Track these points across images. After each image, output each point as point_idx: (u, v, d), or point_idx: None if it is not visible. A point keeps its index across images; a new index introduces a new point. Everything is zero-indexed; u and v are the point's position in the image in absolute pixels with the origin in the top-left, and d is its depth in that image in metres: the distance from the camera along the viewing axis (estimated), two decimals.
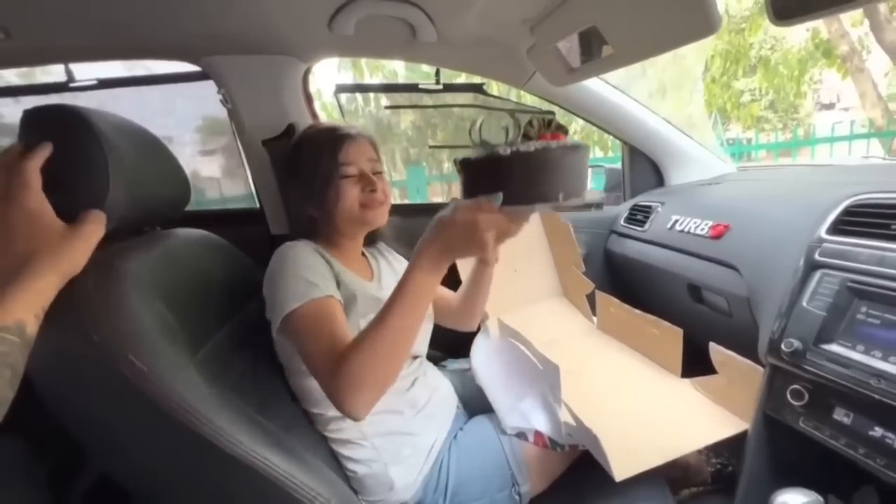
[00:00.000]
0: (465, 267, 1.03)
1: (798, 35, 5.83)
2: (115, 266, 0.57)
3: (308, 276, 0.68)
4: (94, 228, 0.50)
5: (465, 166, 0.57)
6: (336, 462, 0.75)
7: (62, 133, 0.57)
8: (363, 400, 0.58)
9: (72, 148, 0.56)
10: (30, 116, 0.57)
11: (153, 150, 0.71)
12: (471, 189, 0.57)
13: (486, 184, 0.54)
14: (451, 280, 0.92)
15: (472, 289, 0.90)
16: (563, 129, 0.59)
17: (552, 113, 0.60)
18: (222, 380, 0.60)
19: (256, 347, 0.75)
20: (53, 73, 1.10)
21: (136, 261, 0.60)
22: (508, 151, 0.53)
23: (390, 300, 0.59)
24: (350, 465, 0.74)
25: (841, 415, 0.59)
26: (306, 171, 0.80)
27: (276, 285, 0.69)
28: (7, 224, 0.42)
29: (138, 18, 0.83)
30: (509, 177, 0.53)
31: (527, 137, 0.58)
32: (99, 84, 1.08)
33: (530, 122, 0.59)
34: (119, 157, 0.58)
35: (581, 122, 1.37)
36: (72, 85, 1.05)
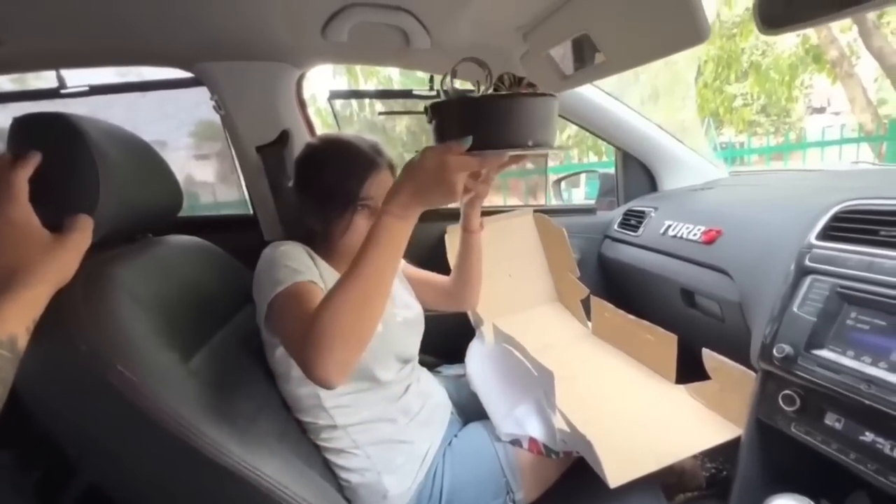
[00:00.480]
0: (452, 246, 1.01)
1: (788, 41, 5.90)
2: (105, 274, 0.56)
3: (291, 265, 0.68)
4: (82, 236, 0.49)
5: (435, 110, 0.56)
6: (330, 471, 0.74)
7: (52, 140, 0.56)
8: (334, 360, 0.53)
9: (62, 155, 0.56)
10: (19, 123, 0.56)
11: (145, 157, 0.70)
12: (441, 133, 0.56)
13: (457, 127, 0.53)
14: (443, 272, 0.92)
15: (463, 262, 0.91)
16: (532, 86, 0.60)
17: (524, 78, 0.61)
18: (214, 388, 0.59)
19: (249, 355, 0.74)
20: (45, 79, 1.09)
21: (127, 269, 0.60)
22: (480, 94, 0.53)
23: (361, 249, 0.56)
24: (343, 474, 0.74)
25: (832, 420, 0.59)
26: (323, 188, 0.76)
27: (261, 279, 0.69)
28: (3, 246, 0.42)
29: (131, 24, 0.83)
30: (479, 120, 0.52)
31: (497, 90, 0.59)
32: (91, 90, 1.08)
33: (501, 78, 0.60)
34: (110, 164, 0.58)
35: (574, 127, 1.37)
36: (63, 91, 1.05)
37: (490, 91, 0.57)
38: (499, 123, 0.52)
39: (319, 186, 0.77)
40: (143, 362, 0.52)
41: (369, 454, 0.74)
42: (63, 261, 0.45)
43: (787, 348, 0.62)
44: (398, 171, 0.79)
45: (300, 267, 0.68)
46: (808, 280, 0.66)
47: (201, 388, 0.57)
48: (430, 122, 0.57)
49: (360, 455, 0.74)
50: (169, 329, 0.60)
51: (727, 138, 7.55)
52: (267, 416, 0.69)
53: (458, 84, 0.60)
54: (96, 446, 0.54)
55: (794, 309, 0.65)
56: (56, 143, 0.56)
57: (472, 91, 0.59)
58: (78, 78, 1.07)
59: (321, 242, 0.80)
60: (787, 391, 0.63)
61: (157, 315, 0.59)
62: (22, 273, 0.41)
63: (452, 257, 1.05)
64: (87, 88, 1.07)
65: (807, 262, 0.68)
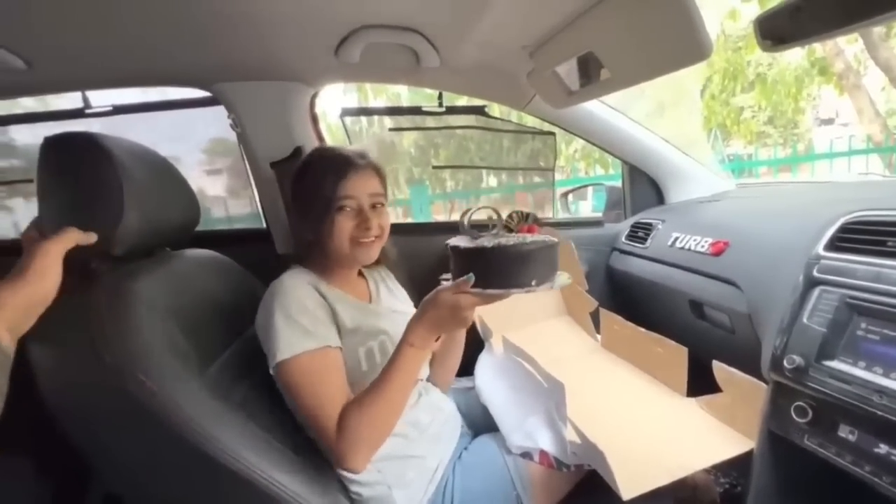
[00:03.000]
0: None
1: (794, 53, 5.92)
2: (126, 288, 0.58)
3: (303, 322, 0.69)
4: (53, 243, 0.50)
5: (454, 252, 0.66)
6: (341, 484, 0.75)
7: (80, 159, 0.59)
8: (363, 458, 0.66)
9: (89, 173, 0.59)
10: (50, 143, 0.59)
11: (165, 175, 0.73)
12: (459, 272, 0.65)
13: (471, 269, 0.62)
14: None
15: (445, 348, 0.92)
16: (538, 222, 0.72)
17: (529, 214, 0.75)
18: (230, 398, 0.61)
19: (263, 367, 0.75)
20: (67, 98, 1.14)
21: (147, 282, 0.62)
22: (491, 244, 0.62)
23: (385, 373, 0.67)
24: (354, 488, 0.74)
25: (846, 432, 0.58)
26: (307, 196, 0.80)
27: (269, 327, 0.69)
28: None
29: (154, 49, 0.87)
30: (490, 265, 0.61)
31: (507, 229, 0.72)
32: (114, 110, 1.12)
33: (510, 216, 0.75)
34: (133, 182, 0.61)
35: (581, 141, 1.39)
36: (88, 111, 1.09)
37: (500, 230, 0.69)
38: (507, 270, 0.61)
39: (302, 193, 0.81)
40: (161, 372, 0.54)
41: (380, 468, 0.74)
42: (36, 264, 0.47)
43: (798, 359, 0.62)
44: (385, 177, 0.85)
45: (312, 325, 0.70)
46: (816, 291, 0.66)
47: (217, 398, 0.58)
48: (450, 255, 0.68)
49: (371, 470, 0.74)
50: (186, 340, 0.62)
51: (735, 150, 7.54)
52: (281, 427, 0.70)
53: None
54: (115, 453, 0.55)
55: (804, 320, 0.65)
56: (84, 162, 0.59)
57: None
58: (102, 98, 1.11)
59: (318, 253, 0.82)
60: (799, 403, 0.63)
61: (175, 327, 0.61)
62: None
63: None
64: (110, 108, 1.11)
65: (815, 273, 0.68)
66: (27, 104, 1.30)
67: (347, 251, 0.79)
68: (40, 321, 0.49)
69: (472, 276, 0.62)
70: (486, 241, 0.64)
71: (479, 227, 0.69)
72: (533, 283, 0.61)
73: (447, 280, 0.68)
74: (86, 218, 0.58)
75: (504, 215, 0.74)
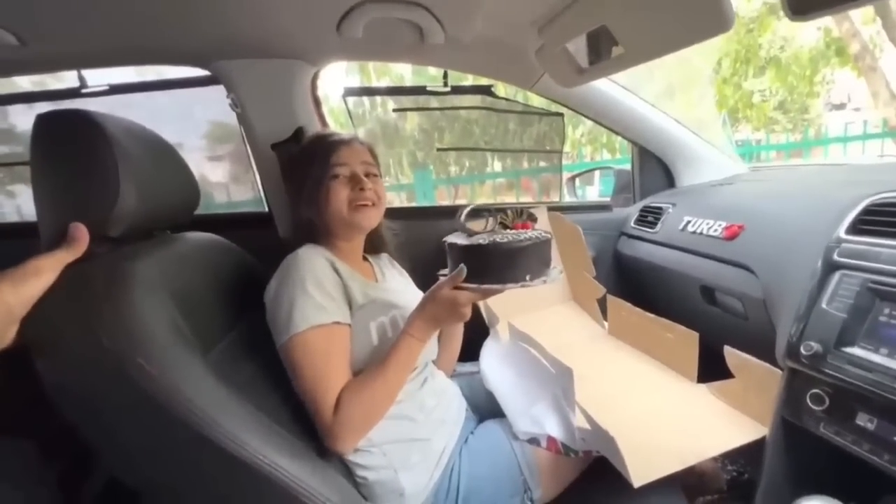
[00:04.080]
0: None
1: (808, 34, 5.76)
2: (125, 270, 0.57)
3: (317, 296, 0.70)
4: (46, 258, 0.51)
5: (451, 249, 0.69)
6: (346, 468, 0.74)
7: (74, 136, 0.57)
8: (353, 440, 0.69)
9: (83, 151, 0.57)
10: (42, 120, 0.57)
11: (164, 155, 0.71)
12: (455, 267, 0.68)
13: (468, 265, 0.66)
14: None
15: (444, 341, 0.95)
16: (532, 218, 0.75)
17: (524, 210, 0.75)
18: (232, 383, 0.59)
19: (266, 351, 0.74)
20: (66, 79, 1.12)
21: (146, 264, 0.61)
22: (486, 241, 0.65)
23: (385, 360, 0.70)
24: (359, 472, 0.74)
25: (864, 420, 0.57)
26: (300, 175, 0.82)
27: (282, 299, 0.70)
28: None
29: (150, 24, 0.84)
30: (485, 261, 0.65)
31: (503, 225, 0.74)
32: (111, 89, 1.10)
33: (506, 212, 0.76)
34: (130, 161, 0.59)
35: (588, 124, 1.36)
36: (84, 91, 1.07)
37: (496, 227, 0.73)
38: (502, 265, 0.64)
39: (298, 171, 0.83)
40: (161, 356, 0.53)
41: (385, 452, 0.74)
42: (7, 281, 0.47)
43: (816, 346, 0.60)
44: (376, 154, 0.87)
45: (324, 300, 0.70)
46: (836, 275, 0.64)
47: (219, 382, 0.57)
48: (447, 252, 0.71)
49: (375, 453, 0.74)
50: (187, 324, 0.61)
51: (743, 135, 7.40)
52: (285, 411, 0.69)
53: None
54: (117, 438, 0.55)
55: (823, 305, 0.63)
56: (78, 139, 0.57)
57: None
58: (98, 77, 1.09)
59: (321, 231, 0.83)
60: (815, 390, 0.61)
61: (176, 310, 0.60)
62: None
63: None
64: (107, 88, 1.08)
65: (835, 257, 0.65)
66: (23, 85, 1.27)
67: (346, 216, 0.80)
68: (37, 304, 0.48)
69: (463, 269, 0.65)
70: (482, 237, 0.68)
71: (476, 215, 0.73)
72: (527, 277, 0.64)
73: (444, 275, 0.70)
74: (81, 197, 0.57)
75: (500, 213, 0.77)
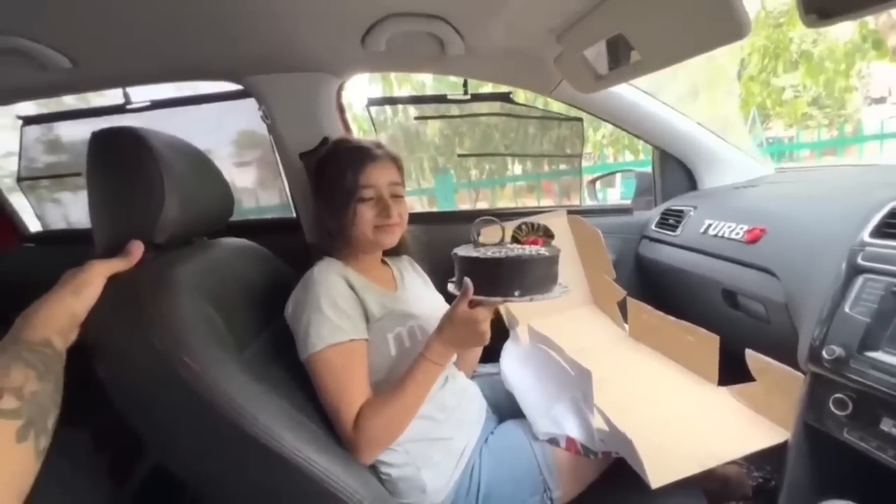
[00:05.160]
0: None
1: (843, 28, 5.53)
2: (169, 275, 0.62)
3: (333, 316, 0.72)
4: (99, 264, 0.56)
5: (456, 261, 0.71)
6: (372, 465, 0.77)
7: (124, 152, 0.63)
8: (373, 453, 0.72)
9: (132, 166, 0.62)
10: (97, 137, 0.63)
11: (202, 167, 0.76)
12: (461, 279, 0.70)
13: (477, 277, 0.67)
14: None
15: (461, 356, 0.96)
16: (548, 234, 0.77)
17: (539, 225, 0.78)
18: (265, 380, 0.63)
19: (294, 354, 0.78)
20: (105, 96, 1.20)
21: (187, 269, 0.65)
22: (489, 255, 0.67)
23: (403, 383, 0.71)
24: (383, 469, 0.76)
25: (889, 425, 0.56)
26: (329, 188, 0.83)
27: (300, 319, 0.73)
28: None
29: (189, 45, 0.90)
30: (488, 274, 0.67)
31: (515, 240, 0.78)
32: (152, 105, 1.17)
33: (519, 227, 0.79)
34: (173, 174, 0.64)
35: (609, 126, 1.36)
36: (128, 107, 1.14)
37: (507, 241, 0.76)
38: (499, 280, 0.66)
39: (324, 185, 0.84)
40: (203, 354, 0.57)
41: (408, 450, 0.77)
42: (77, 279, 0.53)
43: (838, 350, 0.60)
44: (402, 166, 0.88)
45: (341, 320, 0.73)
46: (860, 279, 0.64)
47: (254, 380, 0.61)
48: (455, 264, 0.73)
49: (399, 451, 0.76)
50: (225, 324, 0.65)
51: (774, 133, 7.15)
52: (315, 408, 0.72)
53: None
54: (162, 428, 0.59)
55: (846, 309, 0.63)
56: (128, 155, 0.62)
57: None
58: (140, 94, 1.17)
59: (342, 243, 0.84)
60: (838, 395, 0.61)
61: (214, 311, 0.64)
62: (49, 294, 0.50)
63: None
64: (149, 104, 1.16)
65: (859, 261, 0.65)
66: (67, 101, 1.37)
67: (371, 237, 0.82)
68: (93, 308, 0.53)
69: (468, 282, 0.67)
70: (490, 250, 0.70)
71: (490, 225, 0.76)
72: (517, 293, 0.66)
73: (452, 282, 0.74)
74: (130, 207, 0.62)
75: (512, 226, 0.80)
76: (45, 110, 1.42)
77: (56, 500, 0.65)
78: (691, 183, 1.41)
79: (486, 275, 0.67)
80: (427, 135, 4.64)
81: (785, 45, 5.58)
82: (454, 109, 1.39)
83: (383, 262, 0.95)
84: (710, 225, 1.09)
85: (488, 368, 1.07)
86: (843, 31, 5.45)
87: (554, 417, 0.81)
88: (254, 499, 0.61)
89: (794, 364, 0.70)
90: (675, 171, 1.41)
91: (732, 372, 0.84)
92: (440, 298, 0.97)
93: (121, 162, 0.62)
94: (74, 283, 0.52)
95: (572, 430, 0.78)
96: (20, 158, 1.42)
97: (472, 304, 0.69)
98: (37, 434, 0.37)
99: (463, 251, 0.72)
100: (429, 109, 1.64)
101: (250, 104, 1.16)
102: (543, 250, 0.71)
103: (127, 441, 0.69)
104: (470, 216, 1.44)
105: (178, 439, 0.59)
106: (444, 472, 0.77)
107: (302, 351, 0.72)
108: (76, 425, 0.41)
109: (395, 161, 0.86)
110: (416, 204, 4.47)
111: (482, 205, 4.75)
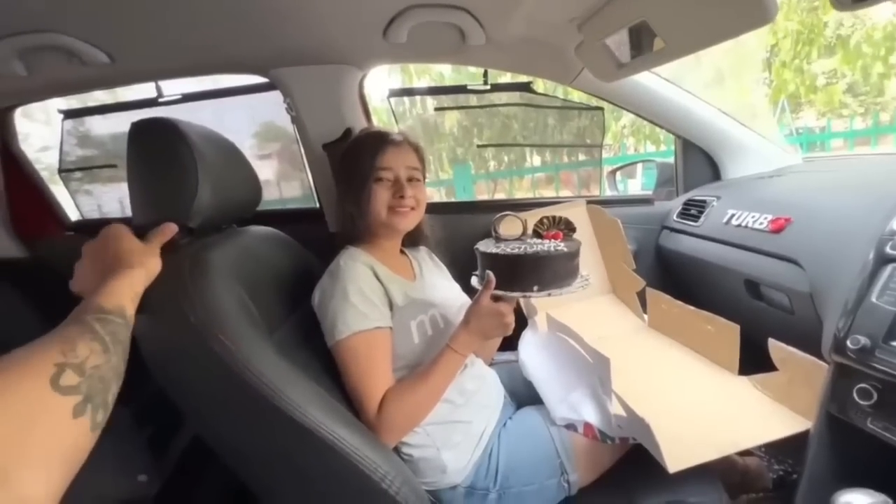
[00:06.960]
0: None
1: (882, 10, 5.25)
2: (205, 258, 0.65)
3: (359, 304, 0.75)
4: (160, 238, 0.61)
5: (482, 256, 0.73)
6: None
7: (162, 142, 0.66)
8: (395, 438, 0.74)
9: (169, 154, 0.65)
10: (136, 128, 0.67)
11: (232, 157, 0.79)
12: (483, 273, 0.72)
13: (497, 272, 0.70)
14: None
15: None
16: (570, 227, 0.78)
17: (561, 219, 0.79)
18: (294, 360, 0.66)
19: (320, 338, 0.81)
20: (135, 90, 1.25)
21: (219, 252, 0.69)
22: (508, 250, 0.69)
23: (427, 372, 0.74)
24: (405, 449, 0.79)
25: None
26: (349, 170, 0.86)
27: (328, 306, 0.76)
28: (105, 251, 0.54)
29: (220, 39, 0.93)
30: (509, 269, 0.69)
31: (537, 234, 0.79)
32: (183, 98, 1.21)
33: (541, 221, 0.79)
34: (206, 162, 0.67)
35: (631, 116, 1.35)
36: (161, 100, 1.19)
37: (529, 234, 0.79)
38: (520, 275, 0.68)
39: (345, 169, 0.88)
40: (236, 332, 0.60)
41: (429, 432, 0.79)
42: (149, 252, 0.57)
43: (864, 340, 0.59)
44: (423, 154, 0.90)
45: (366, 308, 0.75)
46: (888, 269, 0.62)
47: (283, 359, 0.64)
48: (478, 259, 0.75)
49: (419, 432, 0.79)
50: (255, 306, 0.68)
51: (804, 122, 6.87)
52: (341, 391, 0.75)
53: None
54: (199, 401, 0.62)
55: (873, 299, 0.62)
56: (165, 144, 0.66)
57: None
58: (171, 88, 1.21)
59: (362, 227, 0.87)
60: (862, 385, 0.60)
61: (246, 294, 0.68)
62: (124, 261, 0.52)
63: None
64: (180, 97, 1.20)
65: (888, 250, 0.64)
66: (98, 96, 1.42)
67: (384, 219, 0.84)
68: None
69: (490, 276, 0.69)
70: (510, 245, 0.72)
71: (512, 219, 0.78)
72: (535, 288, 0.68)
73: (475, 277, 0.76)
74: (167, 192, 0.65)
75: (534, 219, 0.81)
76: (77, 105, 1.47)
77: (106, 469, 0.70)
78: (714, 173, 1.39)
79: (505, 270, 0.69)
80: (446, 126, 4.63)
81: (819, 29, 5.34)
82: (473, 100, 1.40)
83: (402, 252, 0.97)
84: (733, 215, 1.08)
85: (507, 356, 1.08)
86: (881, 15, 5.19)
87: (572, 404, 0.82)
88: (283, 473, 0.64)
89: (817, 354, 0.70)
90: (698, 161, 1.39)
91: (754, 363, 0.83)
92: (457, 288, 0.99)
93: (158, 149, 0.66)
94: (151, 248, 0.57)
95: (590, 416, 0.79)
96: (60, 151, 1.49)
97: (493, 298, 0.71)
98: (94, 409, 0.36)
99: (484, 246, 0.73)
100: (448, 100, 1.65)
101: (271, 97, 1.19)
102: (562, 245, 0.72)
103: (167, 418, 0.73)
104: (488, 206, 1.45)
105: (210, 412, 0.63)
106: (464, 453, 0.79)
107: (329, 338, 0.75)
108: (117, 403, 0.43)
109: (416, 149, 0.89)
110: (435, 195, 4.48)
111: (500, 196, 4.74)
